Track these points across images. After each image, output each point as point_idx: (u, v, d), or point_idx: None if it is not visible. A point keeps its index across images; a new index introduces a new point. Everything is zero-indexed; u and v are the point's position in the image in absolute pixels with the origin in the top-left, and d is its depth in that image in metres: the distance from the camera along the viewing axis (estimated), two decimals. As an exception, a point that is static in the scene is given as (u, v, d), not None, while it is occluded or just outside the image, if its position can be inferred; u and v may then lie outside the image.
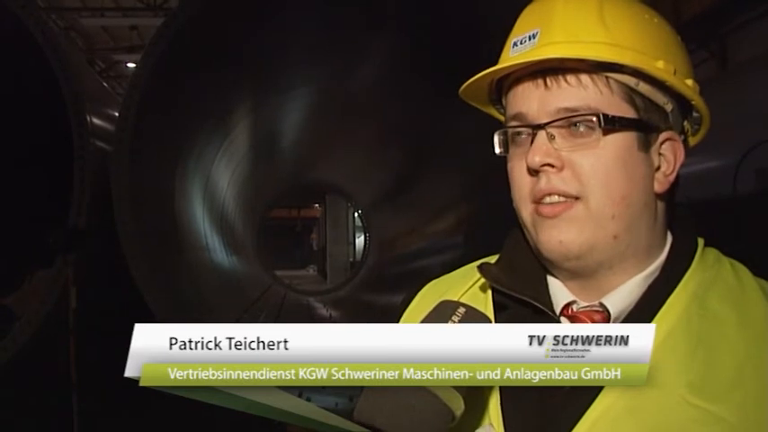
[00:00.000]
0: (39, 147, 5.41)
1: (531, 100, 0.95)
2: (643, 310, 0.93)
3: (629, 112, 0.93)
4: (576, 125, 0.92)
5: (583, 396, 0.88)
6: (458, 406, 0.80)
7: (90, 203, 4.33)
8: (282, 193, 13.80)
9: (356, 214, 17.37)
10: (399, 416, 0.77)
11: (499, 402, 0.93)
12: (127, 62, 14.92)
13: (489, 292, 1.02)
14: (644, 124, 0.94)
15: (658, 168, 0.96)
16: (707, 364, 0.87)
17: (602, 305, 0.96)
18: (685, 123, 0.99)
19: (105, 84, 8.80)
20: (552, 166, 0.93)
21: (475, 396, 0.89)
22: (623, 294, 0.95)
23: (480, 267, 1.03)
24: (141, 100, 4.38)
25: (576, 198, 0.93)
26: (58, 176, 4.80)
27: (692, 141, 1.02)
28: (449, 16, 5.15)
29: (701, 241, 0.99)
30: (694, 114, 0.99)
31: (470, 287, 1.06)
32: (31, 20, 4.34)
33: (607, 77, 0.93)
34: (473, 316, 0.86)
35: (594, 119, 0.91)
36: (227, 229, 8.90)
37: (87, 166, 4.35)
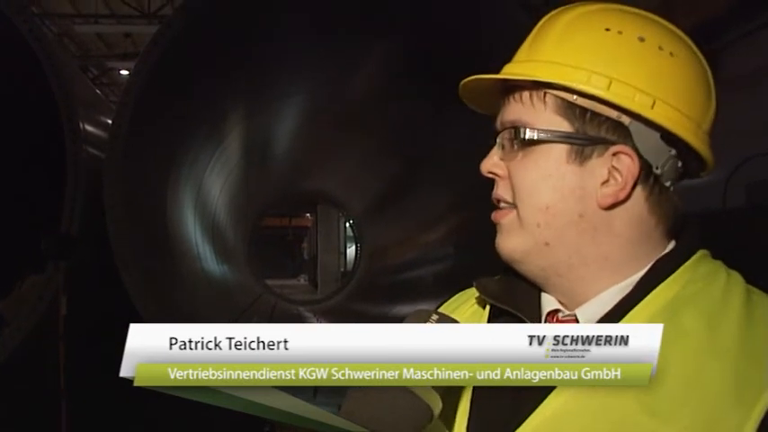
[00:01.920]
0: (31, 153, 5.40)
1: (498, 114, 1.04)
2: (606, 322, 0.95)
3: (561, 126, 0.96)
4: (511, 138, 1.00)
5: (536, 397, 0.90)
6: (435, 404, 0.82)
7: (82, 210, 4.32)
8: (274, 202, 13.78)
9: (347, 224, 17.36)
10: (382, 414, 0.79)
11: (471, 397, 0.97)
12: (120, 69, 14.92)
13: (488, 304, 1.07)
14: (576, 137, 0.96)
15: (606, 182, 0.96)
16: (658, 378, 0.84)
17: (575, 315, 0.99)
18: (667, 145, 0.97)
19: (98, 91, 8.79)
20: (497, 174, 1.02)
21: (451, 395, 0.93)
22: (594, 305, 0.97)
23: (477, 281, 1.08)
24: (135, 107, 4.38)
25: (514, 205, 1.00)
26: (50, 183, 4.79)
27: (703, 170, 1.02)
28: (445, 25, 5.18)
29: (700, 253, 0.99)
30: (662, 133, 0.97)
31: (478, 298, 1.11)
32: (25, 26, 4.34)
33: (546, 93, 0.97)
34: (443, 323, 0.88)
35: (513, 132, 0.99)
36: (218, 238, 8.88)
37: (80, 173, 4.35)
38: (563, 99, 0.96)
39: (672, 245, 1.02)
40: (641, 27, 1.00)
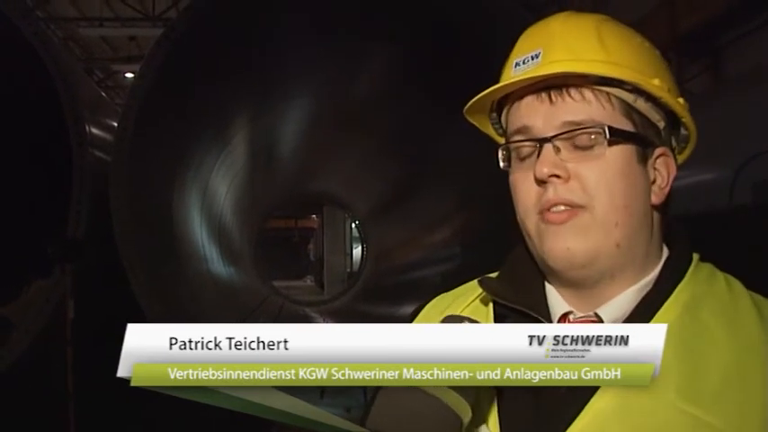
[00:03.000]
0: (38, 156, 5.41)
1: (535, 114, 0.99)
2: (634, 321, 0.96)
3: (628, 127, 0.97)
4: (581, 138, 0.97)
5: (576, 399, 0.91)
6: (465, 413, 0.81)
7: (88, 213, 4.33)
8: (280, 204, 13.81)
9: (353, 225, 17.36)
10: (409, 423, 0.79)
11: (496, 405, 0.96)
12: (125, 72, 14.95)
13: (491, 305, 1.06)
14: (642, 138, 0.98)
15: (654, 181, 1.00)
16: (695, 371, 0.89)
17: (596, 315, 0.99)
18: (673, 141, 1.04)
19: (103, 94, 8.81)
20: (559, 176, 0.96)
21: (478, 405, 0.91)
22: (617, 305, 0.98)
23: (481, 281, 1.07)
24: (140, 110, 4.39)
25: (582, 207, 0.96)
26: (57, 186, 4.81)
27: (680, 159, 1.06)
28: (446, 28, 5.17)
29: (695, 256, 1.02)
30: (683, 132, 1.04)
31: (473, 300, 1.09)
32: (30, 30, 4.36)
33: (608, 94, 0.97)
34: None
35: (600, 131, 0.96)
36: (224, 240, 8.89)
37: (86, 176, 4.36)
38: (623, 100, 0.98)
39: (665, 246, 1.05)
40: (648, 40, 1.05)
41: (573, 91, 0.97)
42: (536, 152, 0.98)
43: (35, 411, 4.28)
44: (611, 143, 0.96)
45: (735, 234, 4.35)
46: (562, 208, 0.97)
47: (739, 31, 8.76)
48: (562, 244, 0.97)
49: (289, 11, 5.21)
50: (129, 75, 14.35)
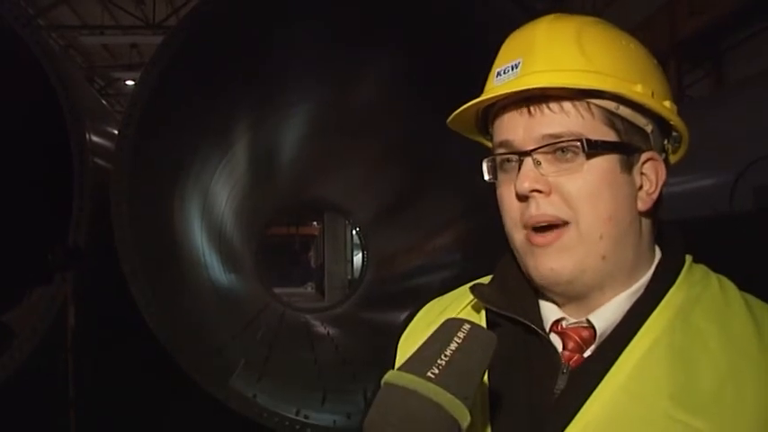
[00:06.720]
0: (39, 164, 5.42)
1: (516, 127, 0.98)
2: (627, 326, 0.96)
3: (610, 136, 0.96)
4: (561, 150, 0.95)
5: (568, 408, 0.91)
6: (463, 417, 0.80)
7: (89, 221, 4.33)
8: (281, 211, 13.79)
9: (354, 232, 17.36)
10: (408, 427, 0.78)
11: (489, 417, 0.96)
12: (126, 80, 15.00)
13: (483, 311, 1.06)
14: (625, 146, 0.97)
15: (641, 187, 0.99)
16: (688, 377, 0.89)
17: (588, 322, 0.99)
18: (665, 143, 1.02)
19: (104, 101, 8.82)
20: (540, 191, 0.96)
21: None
22: (609, 311, 0.98)
23: (473, 288, 1.07)
24: (141, 118, 4.38)
25: (566, 222, 0.96)
26: (57, 193, 4.81)
27: (673, 159, 1.05)
28: (449, 34, 5.18)
29: (688, 258, 1.02)
30: (674, 134, 1.02)
31: (465, 306, 1.09)
32: (32, 38, 4.36)
33: (588, 103, 0.96)
34: (477, 333, 0.87)
35: (578, 144, 0.95)
36: (225, 247, 8.88)
37: (86, 184, 4.36)
38: (605, 108, 0.96)
39: (657, 249, 1.04)
40: (636, 40, 1.03)
41: (552, 103, 0.96)
42: (518, 166, 0.98)
43: (36, 419, 4.27)
44: (589, 155, 0.95)
45: (735, 239, 4.35)
46: (545, 224, 0.96)
47: (741, 36, 8.78)
48: (546, 264, 0.97)
49: (290, 18, 5.21)
50: (130, 82, 14.40)
